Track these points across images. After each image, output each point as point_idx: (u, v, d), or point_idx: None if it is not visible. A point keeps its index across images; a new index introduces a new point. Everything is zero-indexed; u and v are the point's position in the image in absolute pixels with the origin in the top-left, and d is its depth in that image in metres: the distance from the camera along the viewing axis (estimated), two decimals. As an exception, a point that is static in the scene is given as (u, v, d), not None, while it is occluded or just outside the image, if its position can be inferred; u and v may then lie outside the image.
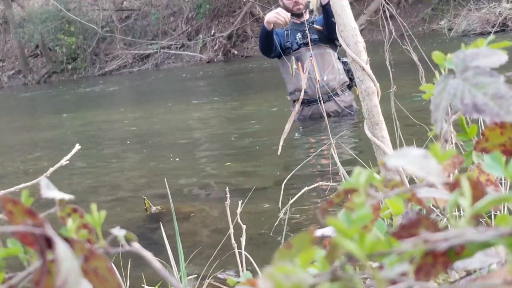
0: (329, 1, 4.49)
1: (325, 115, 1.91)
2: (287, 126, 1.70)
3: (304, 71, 4.65)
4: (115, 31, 19.36)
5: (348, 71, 4.91)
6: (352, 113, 4.89)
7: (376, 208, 0.61)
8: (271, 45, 4.84)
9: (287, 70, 4.93)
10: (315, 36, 4.82)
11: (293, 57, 4.81)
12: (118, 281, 0.48)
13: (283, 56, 4.93)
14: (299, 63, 4.85)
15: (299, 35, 4.92)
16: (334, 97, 4.85)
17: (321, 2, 4.67)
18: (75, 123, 7.53)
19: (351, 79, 4.90)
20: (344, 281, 0.41)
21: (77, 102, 11.48)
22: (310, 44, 3.60)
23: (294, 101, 5.01)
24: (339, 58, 4.97)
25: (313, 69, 4.83)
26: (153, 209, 2.95)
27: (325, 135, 4.30)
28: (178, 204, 2.94)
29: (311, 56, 4.78)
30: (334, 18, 1.45)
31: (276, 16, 4.56)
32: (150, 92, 11.31)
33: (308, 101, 4.91)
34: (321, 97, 4.64)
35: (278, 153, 1.84)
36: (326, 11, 4.56)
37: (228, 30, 17.98)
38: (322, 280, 0.41)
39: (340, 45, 1.59)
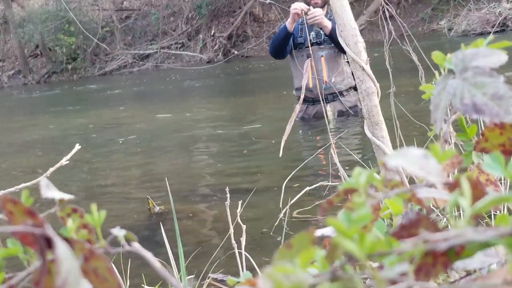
0: (332, 29, 4.48)
1: (326, 115, 1.91)
2: (288, 127, 1.70)
3: (304, 71, 4.63)
4: (115, 31, 19.36)
5: None
6: (356, 113, 4.87)
7: (376, 208, 0.61)
8: (285, 48, 4.83)
9: (297, 64, 4.91)
10: None
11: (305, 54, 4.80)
12: (118, 281, 0.48)
13: (295, 51, 4.90)
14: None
15: (313, 34, 4.89)
16: (339, 97, 4.84)
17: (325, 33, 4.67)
18: (75, 123, 7.53)
19: None
20: (344, 281, 0.41)
21: (77, 102, 11.47)
22: (309, 46, 3.60)
23: (299, 97, 4.99)
24: (348, 61, 4.95)
25: (320, 69, 4.81)
26: (157, 209, 2.96)
27: (326, 135, 4.30)
28: (179, 204, 2.94)
29: (321, 57, 4.77)
30: (339, 41, 1.45)
31: (292, 10, 4.55)
32: (150, 92, 11.31)
33: (313, 100, 4.90)
34: (325, 97, 4.64)
35: (280, 154, 1.83)
36: (333, 39, 4.55)
37: (228, 30, 17.98)
38: (322, 280, 0.41)
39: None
